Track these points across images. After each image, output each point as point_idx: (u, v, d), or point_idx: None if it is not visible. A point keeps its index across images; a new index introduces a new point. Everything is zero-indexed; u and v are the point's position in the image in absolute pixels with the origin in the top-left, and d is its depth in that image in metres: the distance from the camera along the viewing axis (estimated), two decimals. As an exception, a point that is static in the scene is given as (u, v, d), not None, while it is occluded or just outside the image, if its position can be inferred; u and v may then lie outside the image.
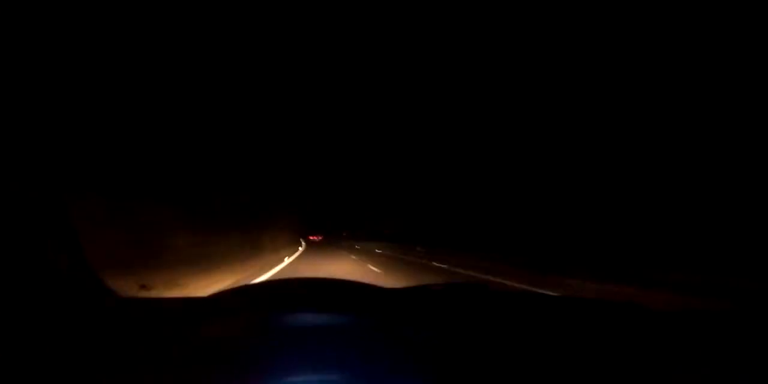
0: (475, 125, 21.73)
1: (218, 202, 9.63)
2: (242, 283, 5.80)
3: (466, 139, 23.22)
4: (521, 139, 17.99)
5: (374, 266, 10.91)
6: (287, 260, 12.00)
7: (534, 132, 17.11)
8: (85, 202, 4.13)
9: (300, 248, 22.03)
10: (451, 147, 25.16)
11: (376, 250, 23.03)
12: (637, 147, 11.76)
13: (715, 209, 9.38)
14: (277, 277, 4.48)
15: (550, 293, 5.33)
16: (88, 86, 4.74)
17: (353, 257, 15.15)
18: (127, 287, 3.81)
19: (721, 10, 8.80)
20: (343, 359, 0.88)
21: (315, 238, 46.03)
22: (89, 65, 4.73)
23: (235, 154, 11.66)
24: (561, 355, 0.92)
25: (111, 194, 4.80)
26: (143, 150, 6.04)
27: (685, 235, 9.47)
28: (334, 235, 59.04)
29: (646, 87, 11.10)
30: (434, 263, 13.12)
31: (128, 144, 5.59)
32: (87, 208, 4.10)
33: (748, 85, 8.76)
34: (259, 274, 7.75)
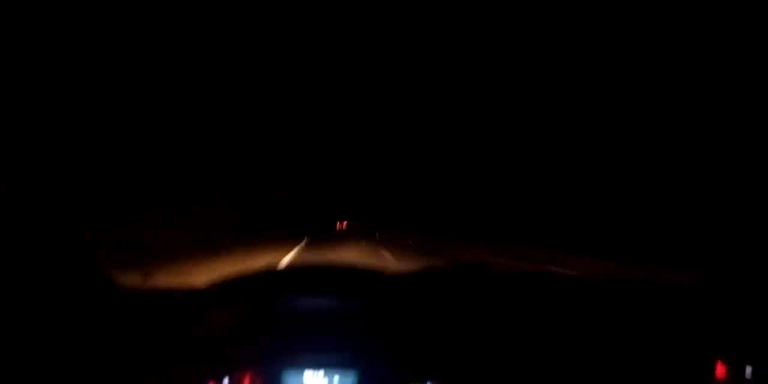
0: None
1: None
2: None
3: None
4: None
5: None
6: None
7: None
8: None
9: None
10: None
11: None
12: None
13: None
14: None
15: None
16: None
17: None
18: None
19: (720, 10, 8.57)
20: (346, 343, 0.88)
21: (339, 225, 32.16)
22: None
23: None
24: (565, 335, 0.91)
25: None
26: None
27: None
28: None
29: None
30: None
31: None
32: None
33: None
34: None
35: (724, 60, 8.61)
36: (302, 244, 14.94)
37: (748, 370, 0.84)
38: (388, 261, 8.32)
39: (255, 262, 8.10)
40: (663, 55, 10.43)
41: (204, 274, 5.41)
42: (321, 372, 0.85)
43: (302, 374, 0.85)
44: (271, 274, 1.41)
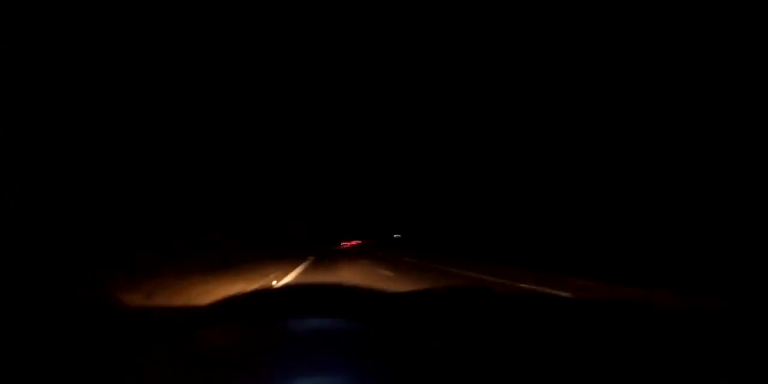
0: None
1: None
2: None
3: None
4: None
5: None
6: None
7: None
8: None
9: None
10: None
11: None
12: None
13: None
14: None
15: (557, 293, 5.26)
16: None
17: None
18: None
19: (721, 10, 8.74)
20: (347, 365, 0.88)
21: (348, 244, 33.24)
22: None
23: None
24: (567, 357, 0.91)
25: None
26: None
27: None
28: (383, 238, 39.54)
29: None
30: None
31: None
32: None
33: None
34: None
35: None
36: (305, 264, 14.86)
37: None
38: (388, 281, 8.21)
39: (256, 283, 8.03)
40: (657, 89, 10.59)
41: (203, 296, 5.37)
42: None
43: None
44: (268, 294, 1.43)
